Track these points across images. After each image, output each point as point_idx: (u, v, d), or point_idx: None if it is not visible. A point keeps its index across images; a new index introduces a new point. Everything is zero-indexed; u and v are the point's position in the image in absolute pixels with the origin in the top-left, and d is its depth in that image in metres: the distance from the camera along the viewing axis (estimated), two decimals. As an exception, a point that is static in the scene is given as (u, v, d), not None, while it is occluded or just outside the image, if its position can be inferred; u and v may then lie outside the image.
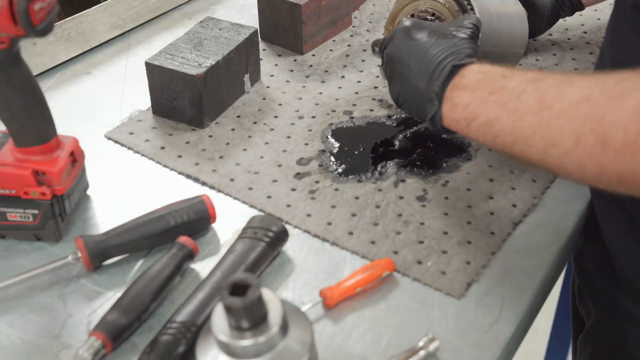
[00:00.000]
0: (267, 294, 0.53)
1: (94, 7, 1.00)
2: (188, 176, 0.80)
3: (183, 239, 0.67)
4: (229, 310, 0.51)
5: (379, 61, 0.79)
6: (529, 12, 0.90)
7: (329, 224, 0.73)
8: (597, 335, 0.82)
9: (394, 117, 0.88)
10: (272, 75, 0.96)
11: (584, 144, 0.53)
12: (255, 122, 0.88)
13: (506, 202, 0.76)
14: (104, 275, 0.67)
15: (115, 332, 0.59)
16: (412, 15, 0.82)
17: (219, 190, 0.78)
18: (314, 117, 0.89)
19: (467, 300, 0.65)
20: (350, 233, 0.72)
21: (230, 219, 0.74)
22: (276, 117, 0.89)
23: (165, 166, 0.81)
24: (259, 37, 1.01)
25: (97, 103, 0.91)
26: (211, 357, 0.53)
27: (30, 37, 0.62)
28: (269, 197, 0.76)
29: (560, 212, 0.75)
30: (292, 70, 0.98)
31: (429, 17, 0.81)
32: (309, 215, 0.74)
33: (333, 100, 0.92)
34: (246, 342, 0.51)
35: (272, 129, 0.86)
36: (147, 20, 1.08)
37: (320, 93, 0.93)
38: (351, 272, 0.67)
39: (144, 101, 0.90)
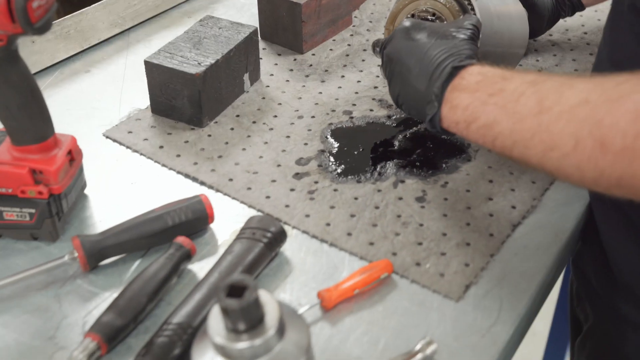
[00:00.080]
0: (264, 295, 0.53)
1: (94, 5, 0.99)
2: (187, 175, 0.79)
3: (181, 239, 0.66)
4: (225, 312, 0.50)
5: (379, 61, 0.79)
6: (530, 12, 0.89)
7: (328, 224, 0.73)
8: (595, 338, 0.82)
9: (394, 117, 0.88)
10: (272, 75, 0.96)
11: (582, 147, 0.53)
12: (254, 122, 0.87)
13: (505, 204, 0.75)
14: (100, 275, 0.67)
15: (111, 333, 0.59)
16: (413, 15, 0.82)
17: (217, 190, 0.77)
18: (313, 116, 0.88)
19: (465, 302, 0.65)
20: (349, 234, 0.72)
21: (229, 219, 0.73)
22: (275, 116, 0.88)
23: (163, 165, 0.81)
24: (259, 36, 1.01)
25: (96, 101, 0.91)
26: None
27: (29, 35, 0.62)
28: (268, 197, 0.76)
29: (560, 214, 0.74)
30: (291, 70, 0.97)
31: (429, 17, 0.81)
32: (307, 215, 0.74)
33: (333, 100, 0.91)
34: (242, 344, 0.51)
35: (272, 129, 0.86)
36: (146, 19, 1.07)
37: (320, 93, 0.93)
38: (349, 273, 0.67)
39: (143, 100, 0.90)
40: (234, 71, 0.89)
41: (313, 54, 1.00)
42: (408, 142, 0.84)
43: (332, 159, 0.81)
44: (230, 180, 0.78)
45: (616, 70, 0.55)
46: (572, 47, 1.01)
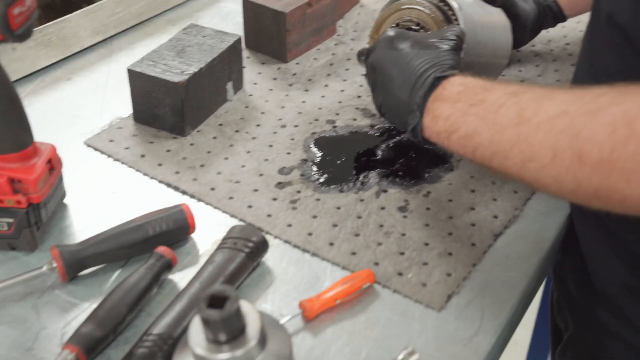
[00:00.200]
0: (245, 306, 0.52)
1: (76, 12, 0.99)
2: (168, 185, 0.79)
3: (161, 249, 0.66)
4: (206, 323, 0.50)
5: (362, 70, 0.79)
6: (513, 22, 0.90)
7: (310, 234, 0.72)
8: (575, 347, 0.82)
9: (377, 126, 0.88)
10: (256, 84, 0.96)
11: (561, 159, 0.53)
12: (237, 131, 0.87)
13: (487, 213, 0.75)
14: (79, 286, 0.66)
15: (90, 344, 0.58)
16: (397, 25, 0.82)
17: (199, 200, 0.77)
18: (296, 125, 0.88)
19: (447, 312, 0.65)
20: (331, 244, 0.71)
21: (210, 229, 0.73)
22: (258, 125, 0.88)
23: (145, 174, 0.80)
24: (244, 44, 1.00)
25: (77, 110, 0.90)
26: (187, 371, 0.52)
27: (9, 42, 0.61)
28: (250, 206, 0.76)
29: (541, 224, 0.75)
30: (275, 79, 0.97)
31: (413, 26, 0.81)
32: (289, 225, 0.73)
33: (316, 109, 0.91)
34: (223, 355, 0.50)
35: (254, 138, 0.86)
36: (130, 27, 1.07)
37: (304, 102, 0.93)
38: (331, 283, 0.67)
39: (125, 108, 0.89)
40: (217, 80, 0.89)
41: (297, 63, 1.00)
42: (391, 151, 0.84)
43: (314, 168, 0.81)
44: (212, 189, 0.78)
45: (595, 82, 0.55)
46: (554, 58, 1.02)
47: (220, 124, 0.88)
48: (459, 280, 0.68)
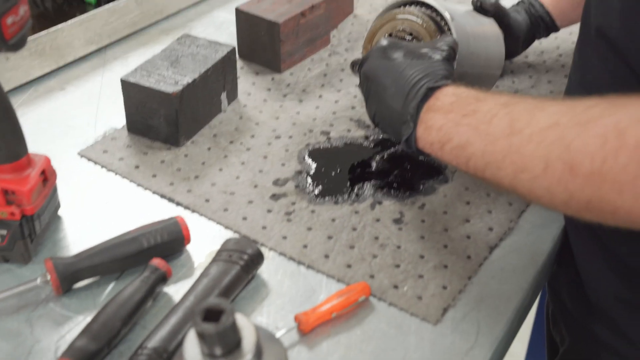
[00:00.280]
0: (240, 319, 0.52)
1: (70, 21, 0.98)
2: (162, 196, 0.78)
3: (156, 262, 0.66)
4: (201, 336, 0.50)
5: (356, 81, 0.79)
6: (505, 33, 0.90)
7: (305, 246, 0.72)
8: (571, 360, 0.83)
9: (371, 137, 0.88)
10: (250, 94, 0.96)
11: (552, 170, 0.53)
12: (231, 142, 0.87)
13: (482, 226, 0.76)
14: (73, 298, 0.66)
15: (84, 358, 0.58)
16: (390, 35, 0.82)
17: (193, 211, 0.76)
18: (291, 137, 0.88)
19: (443, 325, 0.65)
20: (326, 256, 0.71)
21: (205, 241, 0.73)
22: (253, 136, 0.88)
23: (139, 185, 0.80)
24: (237, 54, 1.00)
25: (71, 120, 0.90)
26: (182, 386, 0.51)
27: (2, 51, 0.61)
28: (245, 218, 0.75)
29: (536, 237, 0.75)
30: (269, 89, 0.97)
31: (406, 36, 0.82)
32: (284, 237, 0.73)
33: (310, 120, 0.91)
34: (219, 370, 0.50)
35: (249, 149, 0.86)
36: (123, 36, 1.07)
37: (298, 112, 0.93)
38: (327, 296, 0.67)
39: (119, 119, 0.89)
40: (211, 90, 0.89)
41: (291, 74, 1.00)
42: (385, 163, 0.84)
43: (309, 179, 0.81)
44: (207, 201, 0.78)
45: (586, 93, 0.55)
46: (547, 69, 1.02)
47: (215, 135, 0.88)
48: (455, 293, 0.68)
